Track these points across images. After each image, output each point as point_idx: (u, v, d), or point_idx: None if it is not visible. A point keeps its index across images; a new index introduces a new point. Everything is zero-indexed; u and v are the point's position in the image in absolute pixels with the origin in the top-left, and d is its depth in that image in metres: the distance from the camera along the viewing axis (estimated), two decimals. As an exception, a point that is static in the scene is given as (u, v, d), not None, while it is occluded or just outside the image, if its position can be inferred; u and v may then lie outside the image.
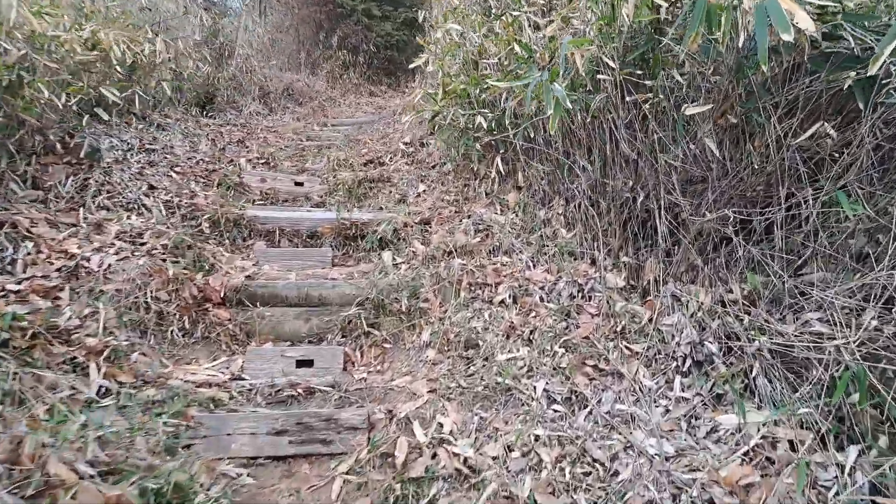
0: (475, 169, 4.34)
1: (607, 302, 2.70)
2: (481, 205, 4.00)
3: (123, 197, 3.62)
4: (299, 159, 6.23)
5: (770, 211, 2.43)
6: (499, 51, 4.26)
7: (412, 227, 3.80)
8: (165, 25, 7.55)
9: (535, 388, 2.33)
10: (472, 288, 3.08)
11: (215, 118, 7.47)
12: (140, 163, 4.39)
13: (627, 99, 2.89)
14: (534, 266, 3.17)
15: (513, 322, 2.73)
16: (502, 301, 2.94)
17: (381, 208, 4.36)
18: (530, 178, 4.01)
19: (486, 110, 4.05)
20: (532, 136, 3.80)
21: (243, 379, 2.69)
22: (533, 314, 2.77)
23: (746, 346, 2.12)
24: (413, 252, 3.50)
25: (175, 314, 2.93)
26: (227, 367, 2.78)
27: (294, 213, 3.99)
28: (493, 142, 4.13)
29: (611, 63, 2.81)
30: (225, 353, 2.93)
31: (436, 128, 4.69)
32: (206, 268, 3.23)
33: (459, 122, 4.19)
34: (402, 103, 11.23)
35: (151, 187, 3.89)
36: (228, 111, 8.03)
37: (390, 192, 4.78)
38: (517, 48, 3.89)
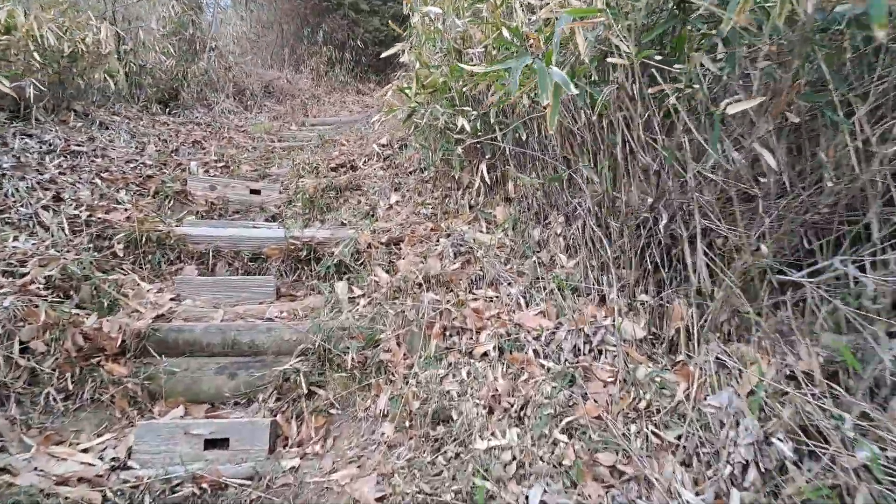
0: (457, 177, 3.64)
1: (625, 362, 2.00)
2: (463, 220, 3.30)
3: (15, 212, 2.90)
4: (263, 163, 5.51)
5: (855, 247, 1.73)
6: (485, 37, 3.56)
7: (378, 248, 3.09)
8: (122, 14, 6.83)
9: (526, 498, 1.63)
10: (448, 334, 2.37)
11: (178, 116, 6.76)
12: (60, 167, 3.68)
13: (648, 91, 2.20)
14: (526, 305, 2.46)
15: (498, 388, 2.02)
16: (485, 354, 2.23)
17: (344, 223, 3.65)
18: (522, 189, 3.31)
19: (469, 108, 3.35)
20: (524, 138, 3.10)
21: (129, 468, 1.97)
22: (525, 377, 2.06)
23: (840, 454, 1.42)
24: (375, 282, 2.80)
25: (53, 371, 2.22)
26: (114, 447, 2.06)
27: (235, 229, 3.28)
28: (477, 145, 3.43)
29: (623, 45, 2.11)
30: (119, 422, 2.21)
31: (413, 128, 3.98)
32: (106, 305, 2.52)
33: (439, 121, 3.49)
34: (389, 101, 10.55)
35: (58, 198, 3.17)
36: (196, 109, 7.31)
37: (358, 202, 4.07)
38: (505, 33, 3.20)
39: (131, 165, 4.27)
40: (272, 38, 12.38)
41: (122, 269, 2.88)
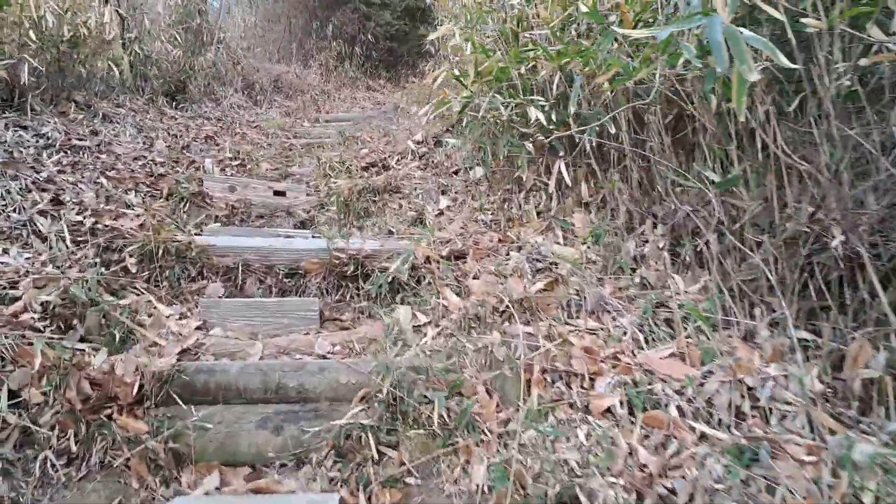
0: (521, 178, 3.13)
1: (813, 428, 1.50)
2: (534, 229, 2.80)
3: (5, 218, 2.38)
4: (283, 161, 5.01)
5: None
6: (549, 17, 3.07)
7: (437, 262, 2.58)
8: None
9: None
10: (550, 380, 1.87)
11: (186, 110, 6.26)
12: (59, 164, 3.17)
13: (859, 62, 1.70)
14: (645, 341, 1.96)
15: (643, 462, 1.52)
16: (608, 411, 1.73)
17: (391, 232, 3.14)
18: (607, 191, 2.81)
19: (539, 98, 2.85)
20: (613, 132, 2.60)
21: (153, 571, 1.47)
22: (674, 447, 1.56)
23: None
24: (444, 307, 2.29)
25: (52, 429, 1.71)
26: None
27: (266, 239, 2.77)
28: (550, 142, 2.93)
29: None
30: (137, 494, 1.71)
31: (464, 122, 3.48)
32: (118, 338, 2.01)
33: (499, 113, 2.99)
34: (403, 97, 10.08)
35: (57, 201, 2.66)
36: (204, 103, 6.79)
37: (400, 206, 3.57)
38: (583, 7, 2.71)
39: (140, 163, 3.76)
40: (279, 31, 11.87)
41: (135, 288, 2.37)
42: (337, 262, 2.66)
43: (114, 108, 4.84)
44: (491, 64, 3.12)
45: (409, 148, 4.51)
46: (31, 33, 3.70)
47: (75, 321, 1.99)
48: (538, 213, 2.95)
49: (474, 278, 2.39)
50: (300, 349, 2.14)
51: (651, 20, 2.58)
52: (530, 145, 2.84)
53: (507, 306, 2.19)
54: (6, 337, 1.73)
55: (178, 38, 6.99)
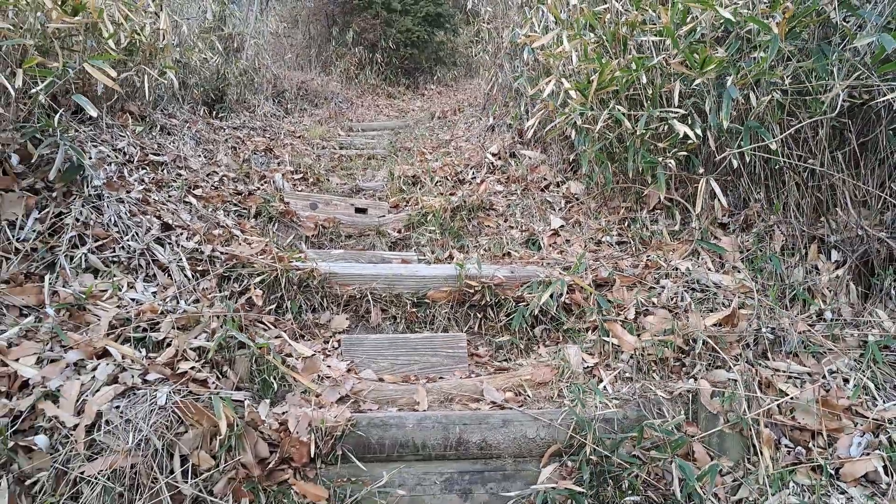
0: (643, 195, 2.92)
1: None
2: (678, 254, 2.58)
3: (122, 247, 2.14)
4: (345, 174, 4.79)
5: None
6: (670, 23, 2.86)
7: (583, 292, 2.36)
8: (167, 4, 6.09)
9: None
10: (774, 436, 1.65)
11: (228, 120, 6.04)
12: (144, 183, 2.94)
13: None
14: (875, 389, 1.74)
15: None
16: (865, 477, 1.51)
17: (508, 254, 2.91)
18: (752, 212, 2.60)
19: (675, 110, 2.64)
20: (775, 148, 2.39)
21: None
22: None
23: None
24: (615, 346, 2.07)
25: (225, 498, 1.47)
26: None
27: (391, 266, 2.54)
28: (687, 158, 2.72)
29: None
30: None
31: (572, 135, 3.26)
32: (274, 387, 1.77)
33: (625, 126, 2.77)
34: (424, 105, 9.88)
35: (165, 226, 2.42)
36: (241, 112, 6.58)
37: (498, 225, 3.34)
38: (724, 13, 2.50)
39: (215, 179, 3.53)
40: (298, 37, 11.67)
41: (262, 323, 2.14)
42: (469, 290, 2.43)
43: (167, 118, 4.60)
44: (605, 73, 2.91)
45: (484, 160, 4.30)
46: (111, 42, 3.46)
47: (226, 367, 1.75)
48: (673, 235, 2.73)
49: (643, 314, 2.17)
50: (467, 395, 1.91)
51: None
52: (672, 161, 2.62)
53: (689, 346, 1.97)
54: (175, 392, 1.50)
55: (217, 45, 6.77)
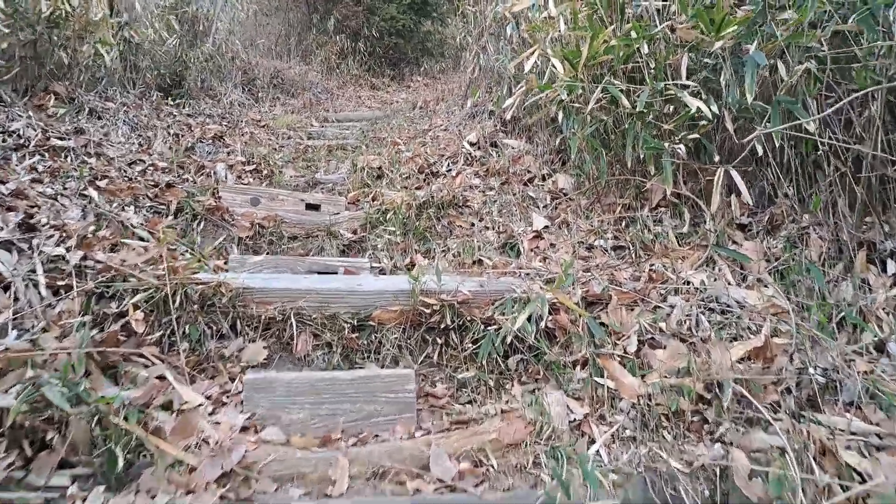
0: (645, 190, 2.40)
1: None
2: (689, 263, 2.05)
3: (-52, 255, 1.59)
4: (305, 166, 4.23)
5: None
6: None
7: (570, 313, 1.83)
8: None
9: None
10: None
11: (184, 107, 5.47)
12: (34, 171, 2.38)
13: None
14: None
15: None
16: None
17: (479, 262, 2.37)
18: (781, 210, 2.08)
19: (693, 84, 2.11)
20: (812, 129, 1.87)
21: None
22: None
23: None
24: (612, 391, 1.53)
25: None
26: None
27: (324, 280, 2.00)
28: (700, 144, 2.20)
29: None
30: None
31: (559, 118, 2.72)
32: (118, 463, 1.22)
33: (621, 106, 2.24)
34: (409, 97, 9.34)
35: (28, 226, 1.87)
36: (203, 99, 6.01)
37: (472, 225, 2.80)
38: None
39: (138, 168, 2.97)
40: (276, 24, 11.04)
41: (142, 357, 1.59)
42: (425, 309, 1.89)
43: (102, 102, 4.03)
44: (598, 40, 2.37)
45: (460, 150, 3.76)
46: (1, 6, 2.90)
47: (51, 434, 1.20)
48: (680, 239, 2.21)
49: (648, 344, 1.64)
50: (406, 467, 1.36)
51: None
52: (681, 147, 2.09)
53: (715, 391, 1.44)
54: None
55: (174, 26, 6.17)
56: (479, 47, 5.01)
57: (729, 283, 1.93)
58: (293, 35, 10.89)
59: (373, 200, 3.07)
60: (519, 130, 3.78)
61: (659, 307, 1.86)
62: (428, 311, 1.88)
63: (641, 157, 2.26)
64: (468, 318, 1.92)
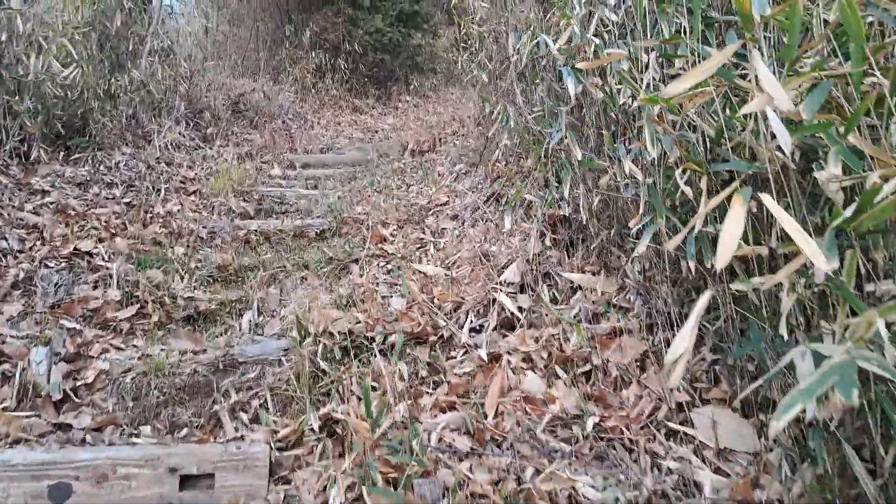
0: None
1: None
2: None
3: None
4: (227, 302, 2.56)
5: None
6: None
7: None
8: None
9: None
10: None
11: (82, 164, 3.82)
12: None
13: None
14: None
15: None
16: None
17: None
18: None
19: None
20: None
21: None
22: None
23: None
24: None
25: None
26: None
27: None
28: None
29: None
30: None
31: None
32: None
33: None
34: (396, 123, 7.78)
35: None
36: (119, 148, 4.30)
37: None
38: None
39: None
40: (244, 37, 9.24)
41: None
42: None
43: None
44: None
45: (488, 293, 2.10)
46: None
47: None
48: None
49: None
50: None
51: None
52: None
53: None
54: None
55: (87, 49, 4.45)
56: (499, 93, 3.36)
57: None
58: (263, 50, 9.17)
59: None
60: (586, 239, 2.15)
61: None
62: None
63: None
64: None
